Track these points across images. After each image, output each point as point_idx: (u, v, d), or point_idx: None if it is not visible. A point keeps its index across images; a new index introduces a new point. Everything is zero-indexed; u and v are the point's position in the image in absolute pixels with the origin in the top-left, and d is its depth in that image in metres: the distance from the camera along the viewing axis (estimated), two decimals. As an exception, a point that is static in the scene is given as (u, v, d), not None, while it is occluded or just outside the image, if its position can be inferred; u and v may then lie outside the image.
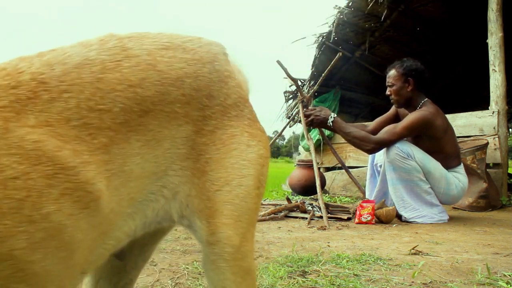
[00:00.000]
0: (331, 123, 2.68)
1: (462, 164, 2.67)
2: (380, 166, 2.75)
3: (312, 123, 2.79)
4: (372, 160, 2.90)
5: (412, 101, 2.64)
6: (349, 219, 2.55)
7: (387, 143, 2.53)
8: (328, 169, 4.79)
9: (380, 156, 2.76)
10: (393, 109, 2.91)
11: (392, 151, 2.50)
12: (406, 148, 2.49)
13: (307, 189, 2.98)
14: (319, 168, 2.98)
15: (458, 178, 2.58)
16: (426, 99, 2.64)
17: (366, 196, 2.96)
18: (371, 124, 2.96)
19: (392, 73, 2.68)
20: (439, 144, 2.55)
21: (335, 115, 2.71)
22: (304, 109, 2.86)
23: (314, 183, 3.16)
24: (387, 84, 2.72)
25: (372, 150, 2.62)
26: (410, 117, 2.54)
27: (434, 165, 2.51)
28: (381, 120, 2.95)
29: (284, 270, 1.31)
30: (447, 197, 2.57)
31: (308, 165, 3.25)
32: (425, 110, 2.55)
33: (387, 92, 2.72)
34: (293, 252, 1.59)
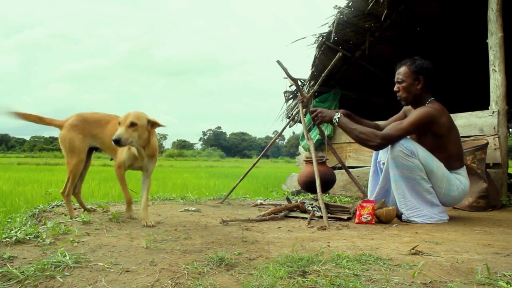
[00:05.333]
0: (337, 120, 2.69)
1: (464, 166, 2.67)
2: (383, 163, 2.75)
3: (317, 119, 2.80)
4: (376, 157, 2.91)
5: (420, 99, 2.65)
6: (349, 219, 2.55)
7: (393, 139, 2.53)
8: (328, 169, 4.79)
9: (384, 153, 2.77)
10: (402, 110, 2.95)
11: (396, 148, 2.50)
12: (410, 145, 2.49)
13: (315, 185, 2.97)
14: (322, 165, 3.00)
15: (459, 180, 2.58)
16: (432, 98, 2.65)
17: (368, 193, 2.97)
18: (384, 124, 2.98)
19: (402, 69, 2.68)
20: (442, 142, 2.56)
21: (341, 114, 2.72)
22: (310, 107, 2.88)
23: (325, 179, 3.18)
24: (396, 80, 2.71)
25: (378, 146, 2.60)
26: (416, 113, 2.55)
27: (437, 165, 2.51)
28: (393, 120, 2.96)
29: (284, 270, 1.30)
30: (448, 198, 2.57)
31: (318, 161, 3.29)
32: (430, 106, 2.57)
33: (395, 89, 2.72)
34: (293, 252, 1.59)
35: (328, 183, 3.37)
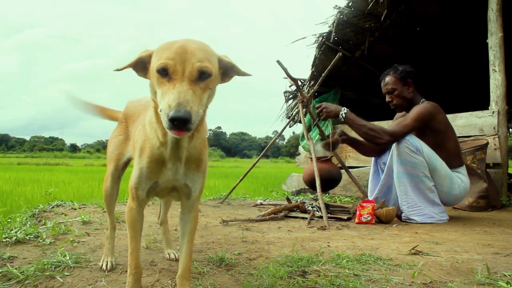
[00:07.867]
0: (343, 115, 2.64)
1: (464, 165, 2.69)
2: (384, 163, 2.76)
3: (322, 115, 2.74)
4: (376, 157, 2.93)
5: (413, 102, 2.70)
6: (349, 219, 2.55)
7: (400, 135, 2.54)
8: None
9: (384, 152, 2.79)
10: (396, 117, 2.98)
11: (402, 144, 2.52)
12: (415, 142, 2.51)
13: (322, 183, 2.96)
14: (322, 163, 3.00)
15: (461, 178, 2.60)
16: (423, 99, 2.70)
17: (368, 193, 2.97)
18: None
19: (389, 79, 2.73)
20: (441, 139, 2.59)
21: (347, 109, 2.66)
22: (310, 107, 2.87)
23: (330, 177, 3.17)
24: (385, 91, 2.76)
25: (386, 143, 2.60)
26: (416, 109, 2.59)
27: (440, 163, 2.54)
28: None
29: (284, 270, 1.31)
30: (449, 197, 2.58)
31: (323, 159, 3.29)
32: (427, 103, 2.63)
33: (388, 99, 2.77)
34: (293, 252, 1.59)
35: (333, 181, 3.35)
